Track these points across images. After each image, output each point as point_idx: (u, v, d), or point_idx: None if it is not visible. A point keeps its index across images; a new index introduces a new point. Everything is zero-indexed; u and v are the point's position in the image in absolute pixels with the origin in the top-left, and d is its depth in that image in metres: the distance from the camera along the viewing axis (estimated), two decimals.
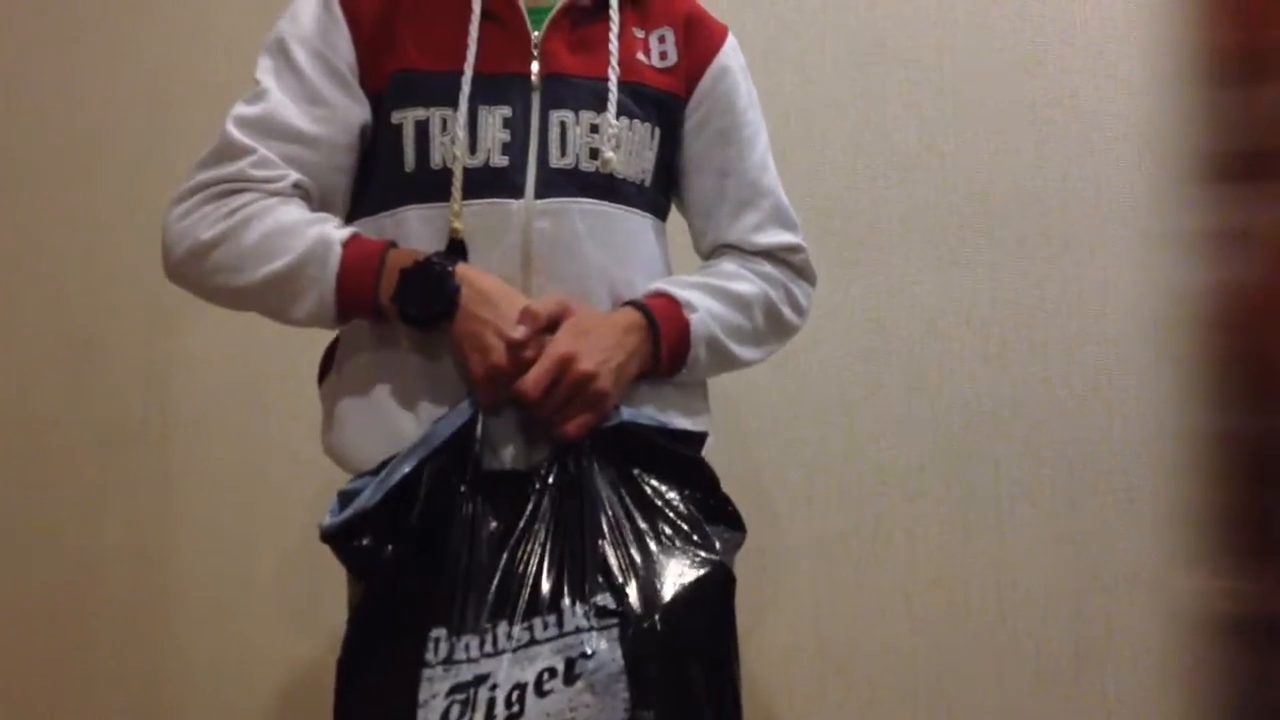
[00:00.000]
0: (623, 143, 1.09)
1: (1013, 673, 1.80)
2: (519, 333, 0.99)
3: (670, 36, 1.16)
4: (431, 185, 1.05)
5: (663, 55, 1.15)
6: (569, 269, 1.07)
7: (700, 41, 1.18)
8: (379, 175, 1.09)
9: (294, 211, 1.04)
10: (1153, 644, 1.80)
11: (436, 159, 1.05)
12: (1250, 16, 1.81)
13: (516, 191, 1.06)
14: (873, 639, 1.81)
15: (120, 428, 1.82)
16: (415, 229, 1.06)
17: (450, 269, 1.00)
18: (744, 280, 1.17)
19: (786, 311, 1.21)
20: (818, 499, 1.82)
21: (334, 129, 1.07)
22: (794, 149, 1.82)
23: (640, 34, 1.14)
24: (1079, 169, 1.83)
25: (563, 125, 1.07)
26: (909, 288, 1.83)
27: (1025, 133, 1.83)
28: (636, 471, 1.02)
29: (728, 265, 1.19)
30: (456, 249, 1.03)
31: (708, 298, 1.13)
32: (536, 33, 1.08)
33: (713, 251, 1.22)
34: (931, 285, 1.83)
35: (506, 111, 1.06)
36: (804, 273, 1.24)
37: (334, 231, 1.03)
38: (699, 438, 1.10)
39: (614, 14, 1.11)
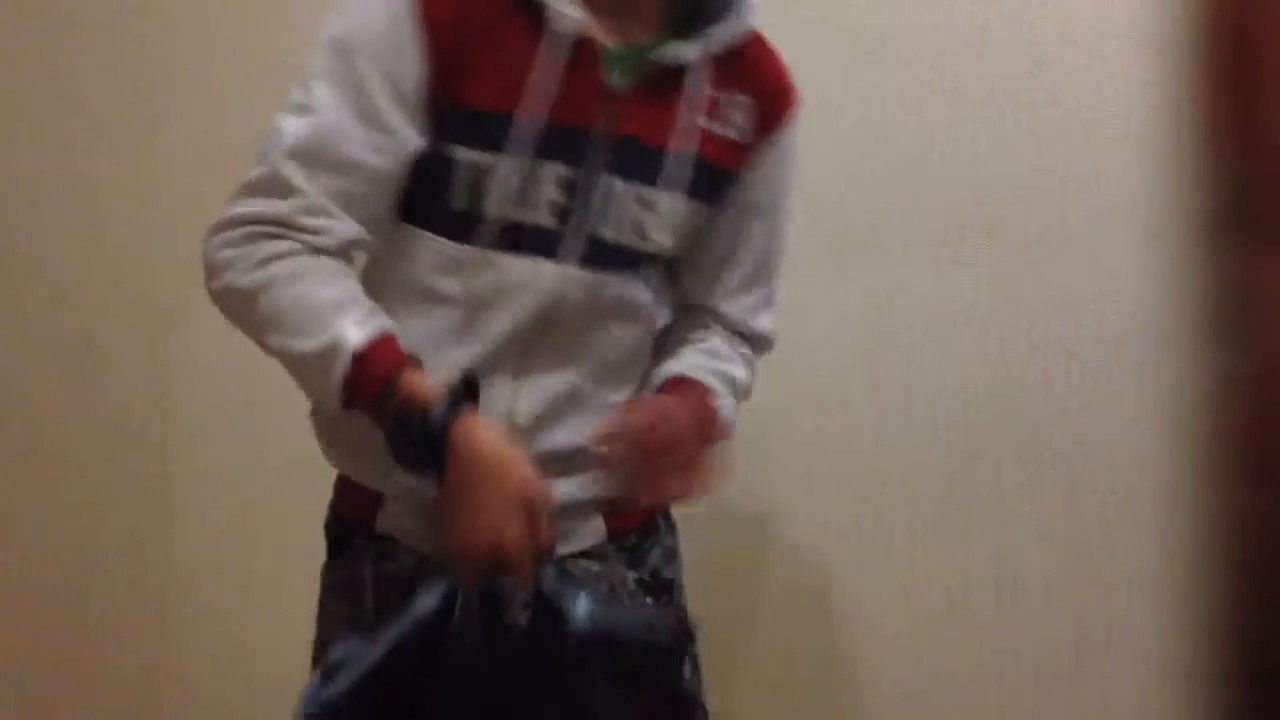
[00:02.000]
0: (674, 224, 1.06)
1: (1013, 673, 1.80)
2: (511, 533, 0.90)
3: (749, 107, 1.09)
4: (471, 228, 1.00)
5: (735, 127, 1.08)
6: (581, 345, 1.05)
7: (773, 118, 1.13)
8: (419, 191, 1.01)
9: (325, 286, 0.96)
10: (1153, 644, 1.80)
11: (490, 210, 0.99)
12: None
13: (556, 255, 1.01)
14: (873, 639, 1.81)
15: (120, 428, 1.82)
16: (433, 261, 1.01)
17: (446, 424, 0.90)
18: (735, 365, 1.17)
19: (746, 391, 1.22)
20: (817, 498, 1.82)
21: (391, 160, 0.98)
22: None
23: (717, 95, 1.06)
24: (1079, 169, 1.83)
25: (619, 197, 1.02)
26: (909, 288, 1.83)
27: (1025, 133, 1.83)
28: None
29: (720, 345, 1.17)
30: (469, 386, 0.94)
31: (719, 384, 1.13)
32: (613, 81, 1.00)
33: (692, 310, 1.19)
34: (931, 285, 1.83)
35: (565, 171, 0.99)
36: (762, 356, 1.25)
37: (351, 334, 0.93)
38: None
39: (692, 79, 1.03)
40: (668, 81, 1.03)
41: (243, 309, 0.98)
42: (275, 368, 1.84)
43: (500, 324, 1.02)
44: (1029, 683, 1.80)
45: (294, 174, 0.96)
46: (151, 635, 1.82)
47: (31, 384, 1.83)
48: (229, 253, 0.98)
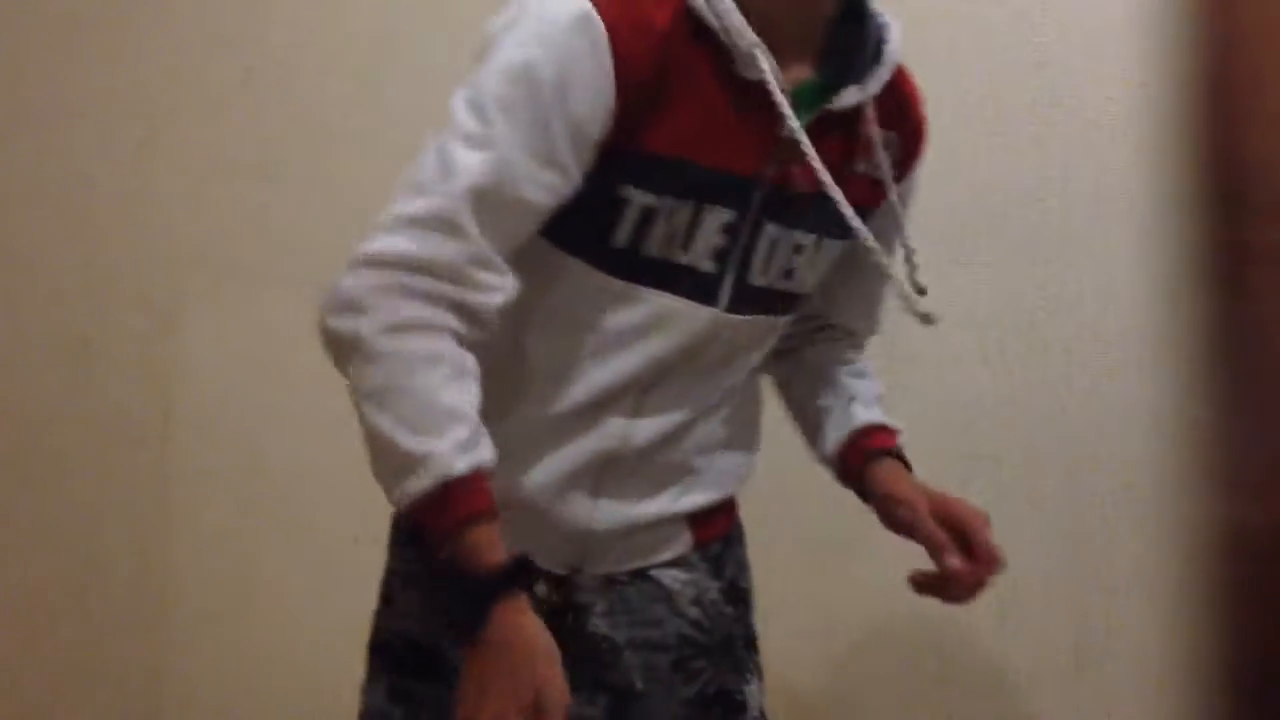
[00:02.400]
0: (820, 268, 1.08)
1: (1013, 673, 1.80)
2: None
3: (894, 144, 1.09)
4: (629, 264, 0.97)
5: (881, 164, 1.07)
6: (706, 381, 1.06)
7: (913, 152, 1.15)
8: (577, 222, 0.95)
9: (450, 388, 0.88)
10: (1153, 644, 1.80)
11: (651, 250, 0.96)
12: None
13: (711, 299, 1.00)
14: (873, 639, 1.81)
15: (120, 428, 1.82)
16: (583, 290, 0.98)
17: (494, 596, 0.88)
18: (877, 383, 1.31)
19: None
20: (817, 499, 1.82)
21: (556, 199, 0.92)
22: None
23: (874, 135, 1.05)
24: (1079, 169, 1.83)
25: (776, 242, 1.01)
26: None
27: (1025, 133, 1.83)
28: None
29: (868, 366, 1.33)
30: (521, 566, 0.91)
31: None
32: (792, 127, 0.95)
33: (823, 327, 1.29)
34: (931, 285, 1.83)
35: (729, 217, 0.97)
36: None
37: (453, 459, 0.86)
38: None
39: (857, 122, 1.03)
40: (833, 123, 1.00)
41: (356, 360, 0.89)
42: (276, 368, 1.84)
43: (638, 358, 1.00)
44: (1029, 683, 1.80)
45: (469, 216, 0.88)
46: (151, 635, 1.82)
47: (31, 384, 1.83)
48: (374, 299, 0.87)
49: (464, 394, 0.89)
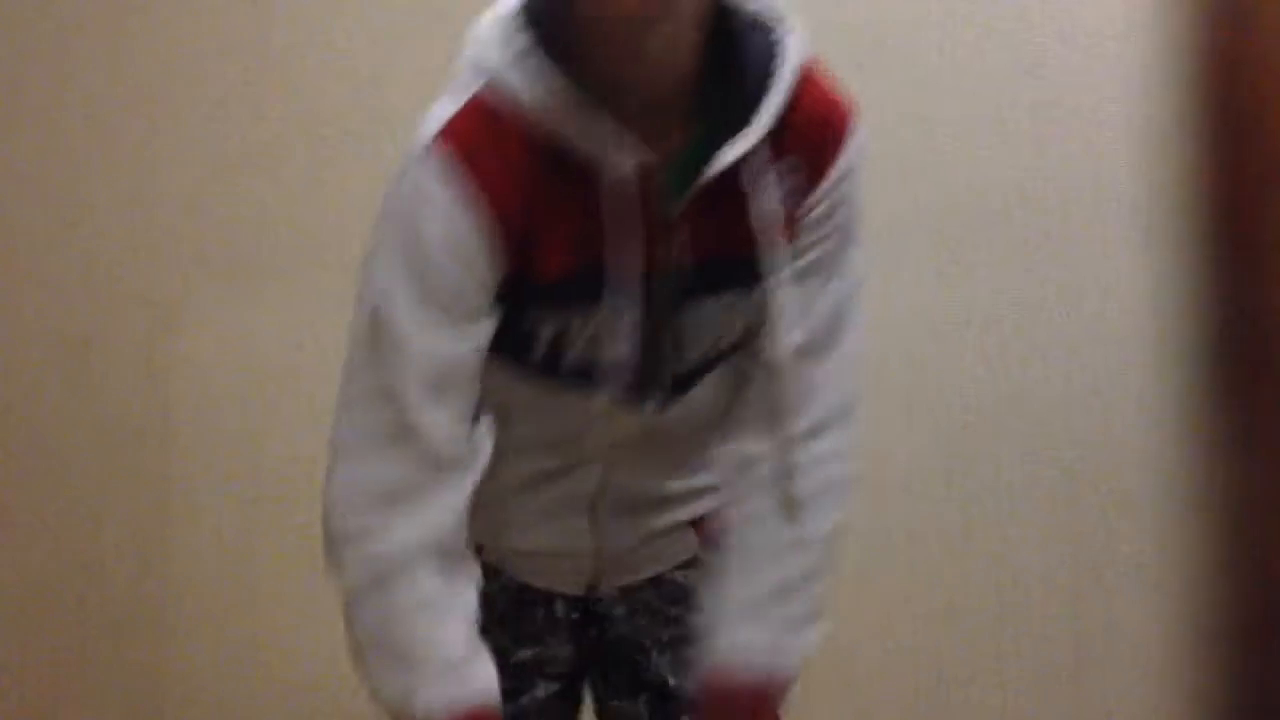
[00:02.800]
0: (749, 319, 0.99)
1: (1013, 673, 1.80)
2: None
3: (799, 168, 0.96)
4: (556, 372, 0.96)
5: (790, 193, 0.96)
6: (674, 436, 1.04)
7: (820, 166, 0.98)
8: (500, 339, 0.95)
9: (437, 628, 0.91)
10: (1153, 644, 1.80)
11: (571, 359, 0.95)
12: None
13: (645, 392, 0.98)
14: (873, 639, 1.80)
15: (120, 428, 1.82)
16: (521, 387, 0.98)
17: None
18: (809, 551, 1.05)
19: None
20: None
21: (481, 343, 0.93)
22: None
23: (776, 169, 0.95)
24: (1079, 169, 1.83)
25: (696, 320, 0.97)
26: (909, 288, 1.83)
27: (1025, 133, 1.83)
28: None
29: (784, 533, 1.03)
30: None
31: (786, 633, 1.05)
32: (669, 210, 0.92)
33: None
34: (931, 285, 1.83)
35: (635, 314, 0.94)
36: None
37: (431, 701, 0.90)
38: None
39: (749, 168, 0.92)
40: (726, 175, 0.92)
41: (345, 588, 0.93)
42: (275, 368, 1.85)
43: (595, 439, 1.01)
44: (1029, 683, 1.80)
45: (429, 410, 0.90)
46: (151, 635, 1.82)
47: (31, 384, 1.83)
48: (353, 522, 0.91)
49: (454, 629, 0.92)
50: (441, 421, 0.91)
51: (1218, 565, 1.81)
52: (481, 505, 0.97)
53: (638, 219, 0.90)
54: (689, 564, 1.11)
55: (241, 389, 1.82)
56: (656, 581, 1.10)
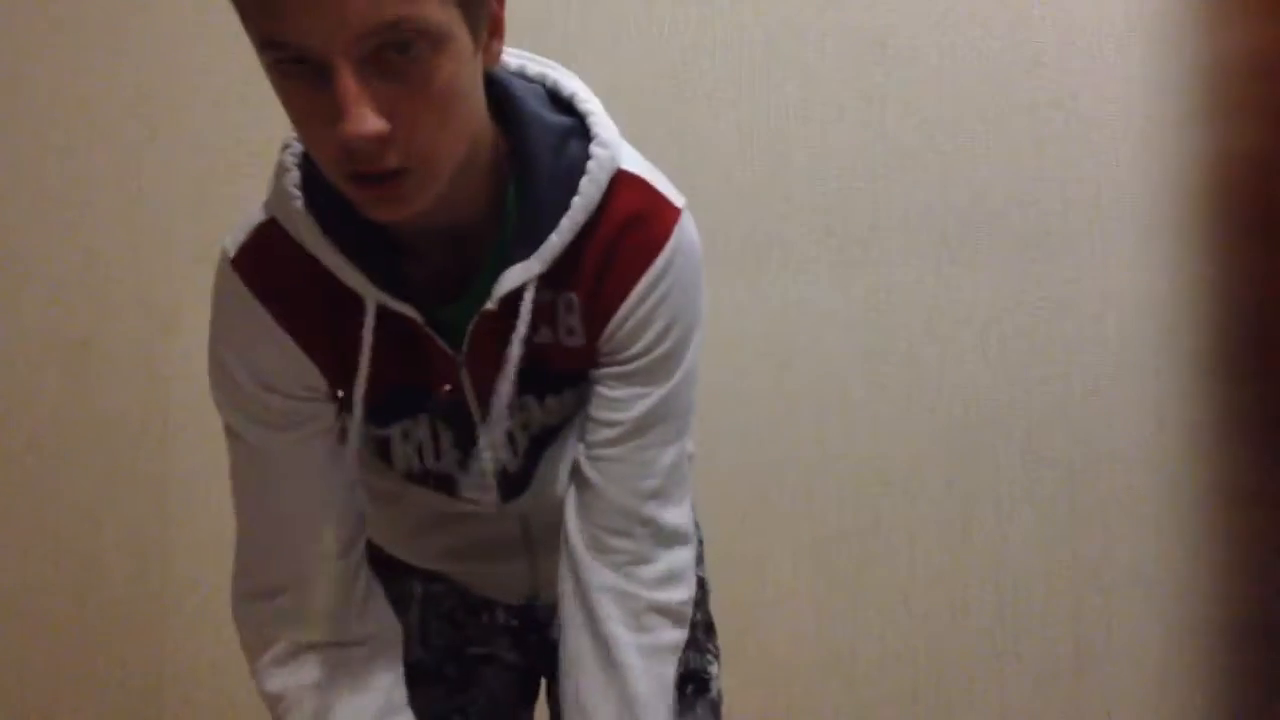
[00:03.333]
0: (560, 413, 0.96)
1: (1013, 673, 1.80)
2: None
3: (575, 306, 0.89)
4: (409, 476, 0.99)
5: (569, 331, 0.90)
6: (545, 479, 1.00)
7: (604, 308, 0.89)
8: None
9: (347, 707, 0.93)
10: (1153, 644, 1.80)
11: (413, 465, 0.97)
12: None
13: (487, 490, 0.98)
14: (873, 639, 1.81)
15: (120, 428, 1.82)
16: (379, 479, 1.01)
17: None
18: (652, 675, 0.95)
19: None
20: (817, 499, 1.82)
21: (314, 439, 0.95)
22: (794, 149, 1.82)
23: (547, 300, 0.89)
24: (1079, 169, 1.83)
25: (511, 427, 0.94)
26: (909, 288, 1.83)
27: (1025, 133, 1.83)
28: None
29: (630, 657, 0.94)
30: None
31: None
32: (448, 345, 0.89)
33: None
34: (931, 285, 1.83)
35: (447, 429, 0.95)
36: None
37: None
38: None
39: (525, 304, 0.86)
40: (507, 304, 0.87)
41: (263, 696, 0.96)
42: None
43: (479, 517, 1.02)
44: (1029, 683, 1.80)
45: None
46: (151, 635, 1.82)
47: (31, 384, 1.83)
48: (248, 635, 0.97)
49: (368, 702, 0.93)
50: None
51: (1217, 565, 1.81)
52: (403, 536, 1.01)
53: (389, 348, 0.88)
54: None
55: None
56: None
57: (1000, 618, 1.80)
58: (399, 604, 1.07)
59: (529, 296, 0.86)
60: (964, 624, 1.81)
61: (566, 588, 0.94)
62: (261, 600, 0.94)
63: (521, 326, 0.86)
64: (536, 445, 0.97)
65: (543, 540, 1.05)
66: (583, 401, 0.94)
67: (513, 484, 0.99)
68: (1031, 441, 1.82)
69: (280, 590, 0.93)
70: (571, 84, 0.90)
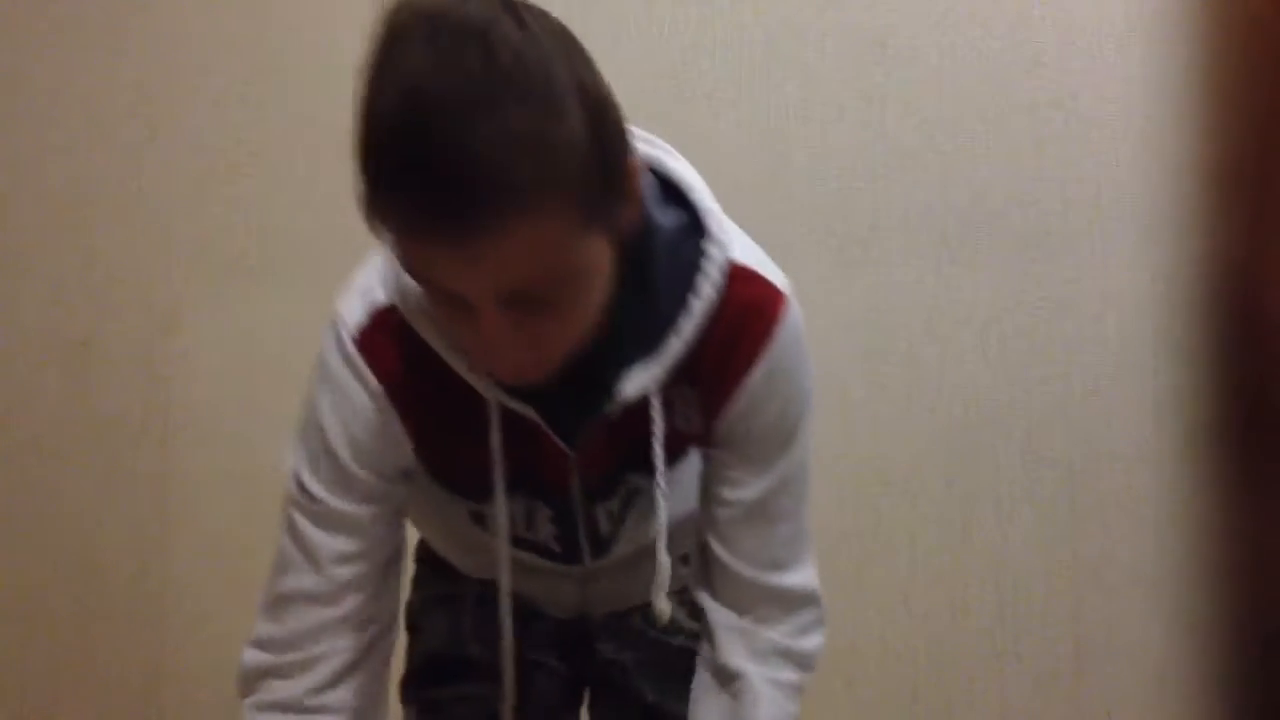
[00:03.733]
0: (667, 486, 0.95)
1: (1013, 673, 1.80)
2: None
3: (692, 399, 0.91)
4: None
5: (685, 419, 0.92)
6: (630, 551, 1.03)
7: (720, 397, 0.91)
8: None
9: None
10: (1153, 644, 1.80)
11: (496, 532, 0.95)
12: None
13: (573, 559, 1.00)
14: (873, 639, 1.81)
15: (120, 428, 1.82)
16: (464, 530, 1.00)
17: None
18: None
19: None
20: (818, 499, 1.82)
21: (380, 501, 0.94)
22: (794, 149, 1.82)
23: (669, 397, 0.91)
24: (1079, 169, 1.83)
25: (609, 511, 0.97)
26: (909, 288, 1.83)
27: (1025, 133, 1.83)
28: None
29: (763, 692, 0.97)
30: None
31: None
32: (573, 430, 0.90)
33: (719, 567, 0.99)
34: (931, 285, 1.83)
35: (550, 511, 0.96)
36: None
37: None
38: None
39: (656, 410, 0.88)
40: (627, 417, 0.89)
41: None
42: (275, 368, 1.84)
43: (544, 571, 1.04)
44: (1029, 683, 1.80)
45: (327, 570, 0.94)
46: (151, 635, 1.82)
47: (31, 384, 1.83)
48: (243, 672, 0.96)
49: None
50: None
51: (1217, 566, 1.81)
52: (458, 555, 1.02)
53: (533, 444, 0.89)
54: (677, 592, 1.10)
55: (241, 389, 1.82)
56: (644, 607, 1.09)
57: (1000, 618, 1.80)
58: (451, 601, 1.09)
59: (657, 403, 0.87)
60: (964, 624, 1.81)
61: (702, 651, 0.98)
62: (267, 650, 0.93)
63: (658, 431, 0.88)
64: (625, 507, 0.99)
65: (599, 572, 1.06)
66: (683, 466, 0.96)
67: (599, 546, 1.01)
68: (1031, 441, 1.82)
69: (290, 647, 0.92)
70: (680, 170, 0.90)
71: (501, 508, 0.91)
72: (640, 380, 0.86)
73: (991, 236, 1.83)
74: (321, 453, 0.92)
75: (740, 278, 0.88)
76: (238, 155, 1.83)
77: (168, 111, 1.83)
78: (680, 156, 0.93)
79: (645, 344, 0.86)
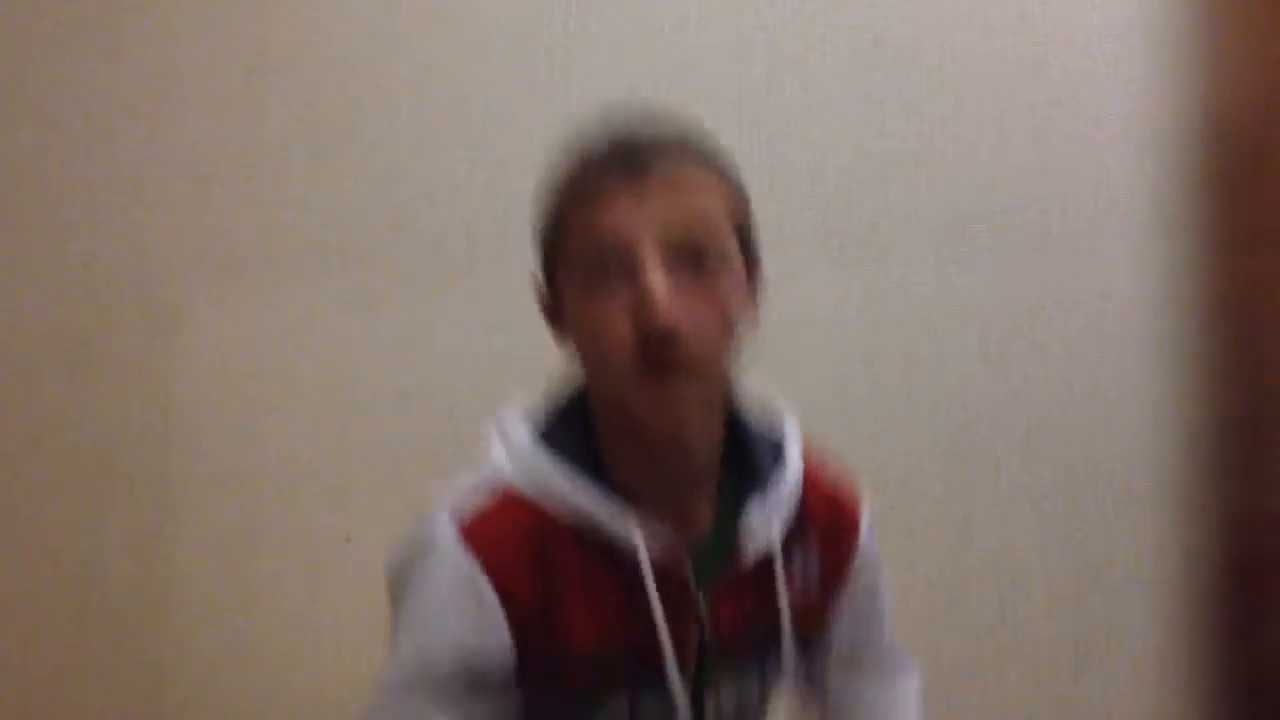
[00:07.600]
0: (784, 678, 1.00)
1: (1013, 673, 1.80)
2: None
3: (813, 557, 1.00)
4: None
5: (811, 582, 1.00)
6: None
7: (840, 561, 1.04)
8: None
9: None
10: (1153, 644, 1.80)
11: None
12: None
13: None
14: None
15: (120, 428, 1.82)
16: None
17: None
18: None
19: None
20: None
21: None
22: (794, 149, 1.82)
23: (791, 553, 0.97)
24: (1079, 169, 1.83)
25: (728, 692, 0.96)
26: (909, 288, 1.83)
27: (1025, 133, 1.83)
28: None
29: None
30: None
31: None
32: (699, 597, 0.91)
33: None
34: (931, 285, 1.83)
35: (659, 702, 0.92)
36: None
37: None
38: None
39: (779, 570, 0.94)
40: (754, 573, 0.94)
41: None
42: (275, 368, 1.84)
43: None
44: (1029, 683, 1.80)
45: None
46: (151, 635, 1.82)
47: (31, 384, 1.83)
48: None
49: None
50: None
51: (1217, 566, 1.81)
52: None
53: (671, 603, 0.89)
54: None
55: (241, 389, 1.82)
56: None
57: (1000, 618, 1.80)
58: None
59: (777, 527, 0.93)
60: (964, 624, 1.81)
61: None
62: None
63: (779, 583, 0.94)
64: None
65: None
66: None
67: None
68: (1031, 441, 1.82)
69: None
70: (788, 420, 1.03)
71: (674, 678, 0.89)
72: (764, 532, 0.92)
73: (991, 236, 1.83)
74: (420, 653, 0.86)
75: (818, 461, 1.04)
76: (238, 155, 1.83)
77: (168, 111, 1.83)
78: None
79: (756, 483, 0.94)
